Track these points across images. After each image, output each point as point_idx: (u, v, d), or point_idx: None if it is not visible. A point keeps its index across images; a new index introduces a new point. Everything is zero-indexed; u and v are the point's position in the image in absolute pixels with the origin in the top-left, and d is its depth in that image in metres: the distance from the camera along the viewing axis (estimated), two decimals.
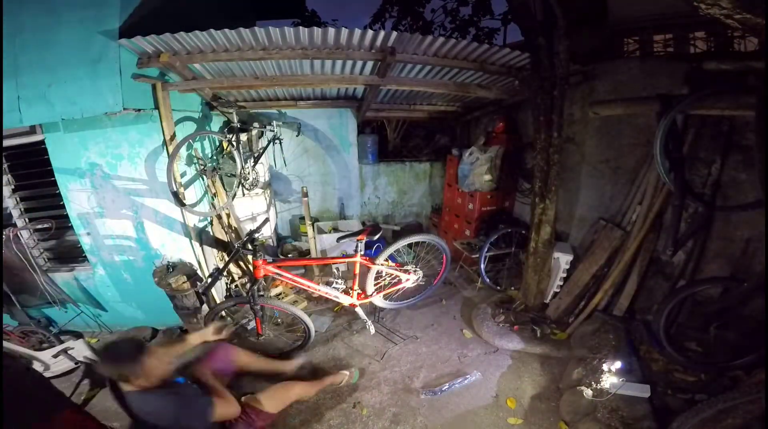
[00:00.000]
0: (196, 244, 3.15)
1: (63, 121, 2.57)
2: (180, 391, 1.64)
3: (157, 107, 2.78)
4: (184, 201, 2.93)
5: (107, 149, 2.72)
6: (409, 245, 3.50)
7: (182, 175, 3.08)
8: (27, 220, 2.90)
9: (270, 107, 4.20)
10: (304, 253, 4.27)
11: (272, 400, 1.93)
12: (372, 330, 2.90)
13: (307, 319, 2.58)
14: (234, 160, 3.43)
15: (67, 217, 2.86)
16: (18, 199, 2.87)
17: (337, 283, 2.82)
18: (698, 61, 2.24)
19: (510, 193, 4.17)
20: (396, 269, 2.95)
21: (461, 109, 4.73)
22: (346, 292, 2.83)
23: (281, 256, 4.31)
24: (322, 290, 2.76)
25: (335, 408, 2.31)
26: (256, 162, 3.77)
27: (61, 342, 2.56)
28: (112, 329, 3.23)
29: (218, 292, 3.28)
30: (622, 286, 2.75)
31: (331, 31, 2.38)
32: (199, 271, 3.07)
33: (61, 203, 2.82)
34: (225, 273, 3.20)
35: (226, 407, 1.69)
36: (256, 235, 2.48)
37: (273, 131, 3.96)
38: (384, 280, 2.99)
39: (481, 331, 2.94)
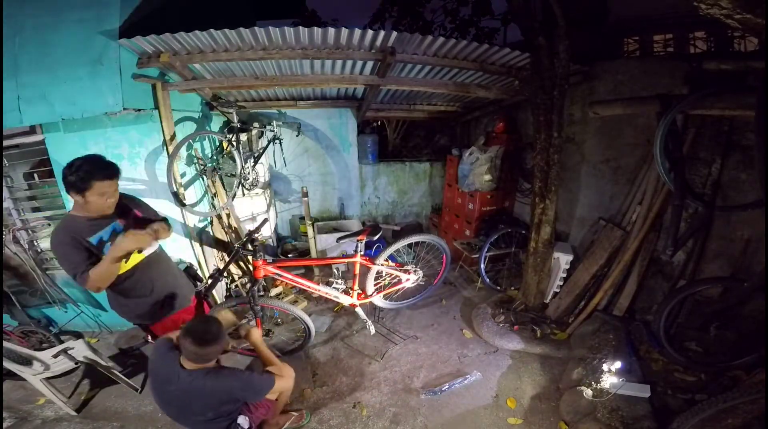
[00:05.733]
0: (196, 245, 3.15)
1: (63, 121, 2.57)
2: (239, 372, 1.75)
3: (157, 107, 2.78)
4: (184, 201, 2.93)
5: (107, 149, 2.71)
6: (409, 245, 3.50)
7: (182, 175, 3.08)
8: (27, 219, 2.90)
9: (270, 107, 4.20)
10: (304, 253, 4.27)
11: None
12: (372, 330, 2.90)
13: (307, 319, 2.58)
14: (234, 160, 3.43)
15: None
16: (18, 198, 2.87)
17: (337, 283, 2.82)
18: (698, 61, 2.24)
19: (510, 193, 4.17)
20: (396, 269, 2.94)
21: (461, 109, 4.73)
22: (346, 292, 2.83)
23: (281, 256, 4.31)
24: (322, 290, 2.76)
25: (335, 408, 2.31)
26: (256, 162, 3.77)
27: (61, 342, 2.56)
28: (112, 329, 3.23)
29: (218, 293, 3.28)
30: (622, 286, 2.75)
31: (331, 31, 2.38)
32: (199, 272, 3.07)
33: (61, 203, 2.82)
34: (225, 273, 3.19)
35: (283, 383, 1.86)
36: (256, 235, 2.48)
37: (273, 131, 3.96)
38: (384, 280, 2.98)
39: (481, 331, 2.94)
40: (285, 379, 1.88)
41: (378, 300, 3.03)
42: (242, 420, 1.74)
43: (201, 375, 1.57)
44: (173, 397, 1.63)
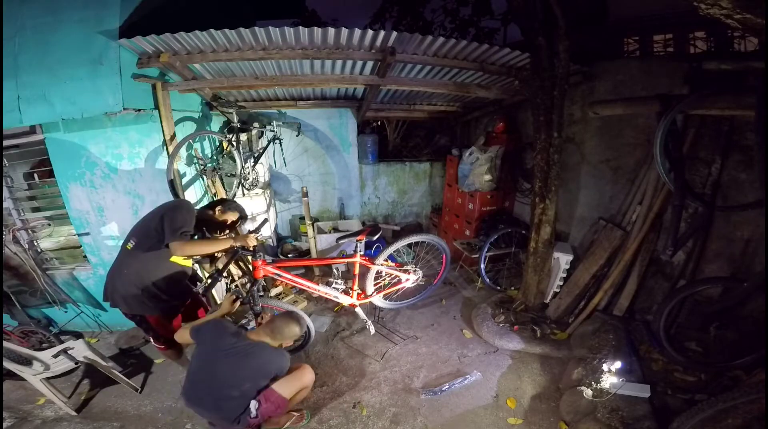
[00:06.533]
0: None
1: (63, 121, 2.57)
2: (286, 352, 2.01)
3: (157, 107, 2.78)
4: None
5: (107, 149, 2.72)
6: (409, 245, 3.51)
7: (182, 175, 3.08)
8: (27, 220, 2.90)
9: (270, 107, 4.20)
10: (304, 253, 4.27)
11: (288, 384, 1.96)
12: (372, 330, 2.90)
13: (308, 319, 2.58)
14: (234, 160, 3.43)
15: (67, 216, 2.87)
16: (18, 198, 2.87)
17: (336, 283, 2.82)
18: (698, 61, 2.24)
19: (510, 193, 4.17)
20: (396, 269, 2.94)
21: (461, 109, 4.73)
22: (345, 292, 2.83)
23: (281, 256, 4.31)
24: (321, 290, 2.76)
25: (335, 408, 2.31)
26: (256, 162, 3.77)
27: (61, 342, 2.56)
28: (112, 329, 3.23)
29: (218, 293, 3.28)
30: (622, 286, 2.75)
31: (331, 31, 2.39)
32: (199, 272, 3.07)
33: (61, 203, 2.82)
34: (225, 273, 3.19)
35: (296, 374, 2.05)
36: (256, 236, 2.48)
37: (273, 131, 3.96)
38: (384, 280, 2.98)
39: (481, 331, 2.94)
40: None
41: (378, 300, 3.03)
42: (253, 404, 1.80)
43: (265, 346, 1.87)
44: (219, 364, 1.78)
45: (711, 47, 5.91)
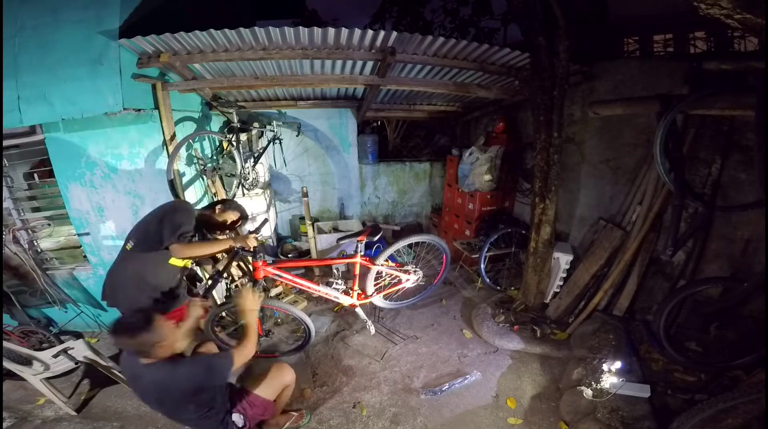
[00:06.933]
0: None
1: (63, 121, 2.57)
2: (196, 358, 1.74)
3: (157, 107, 2.78)
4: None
5: (107, 149, 2.72)
6: (409, 245, 3.50)
7: (182, 175, 3.08)
8: (27, 220, 2.90)
9: (270, 107, 4.20)
10: (304, 253, 4.27)
11: (268, 385, 1.88)
12: (372, 330, 2.90)
13: (307, 319, 2.58)
14: (234, 160, 3.43)
15: (67, 216, 2.87)
16: (18, 198, 2.87)
17: (337, 283, 2.82)
18: (698, 61, 2.24)
19: (510, 193, 4.17)
20: (396, 269, 2.94)
21: (461, 109, 4.73)
22: (346, 292, 2.83)
23: (281, 257, 4.31)
24: (322, 291, 2.76)
25: (335, 408, 2.31)
26: (256, 162, 3.77)
27: (61, 342, 2.56)
28: None
29: (218, 294, 3.28)
30: (622, 286, 2.75)
31: (331, 31, 2.39)
32: (199, 272, 3.07)
33: (61, 203, 2.82)
34: (225, 274, 3.19)
35: (242, 352, 1.68)
36: (256, 236, 2.48)
37: (273, 131, 3.96)
38: (384, 280, 2.98)
39: (481, 331, 2.94)
40: (246, 351, 1.70)
41: (378, 300, 3.02)
42: (236, 417, 1.73)
43: (159, 367, 1.51)
44: (150, 395, 1.60)
45: (711, 47, 5.91)
